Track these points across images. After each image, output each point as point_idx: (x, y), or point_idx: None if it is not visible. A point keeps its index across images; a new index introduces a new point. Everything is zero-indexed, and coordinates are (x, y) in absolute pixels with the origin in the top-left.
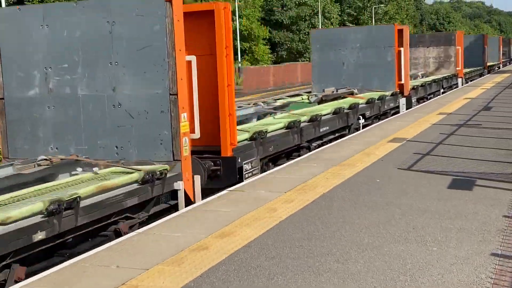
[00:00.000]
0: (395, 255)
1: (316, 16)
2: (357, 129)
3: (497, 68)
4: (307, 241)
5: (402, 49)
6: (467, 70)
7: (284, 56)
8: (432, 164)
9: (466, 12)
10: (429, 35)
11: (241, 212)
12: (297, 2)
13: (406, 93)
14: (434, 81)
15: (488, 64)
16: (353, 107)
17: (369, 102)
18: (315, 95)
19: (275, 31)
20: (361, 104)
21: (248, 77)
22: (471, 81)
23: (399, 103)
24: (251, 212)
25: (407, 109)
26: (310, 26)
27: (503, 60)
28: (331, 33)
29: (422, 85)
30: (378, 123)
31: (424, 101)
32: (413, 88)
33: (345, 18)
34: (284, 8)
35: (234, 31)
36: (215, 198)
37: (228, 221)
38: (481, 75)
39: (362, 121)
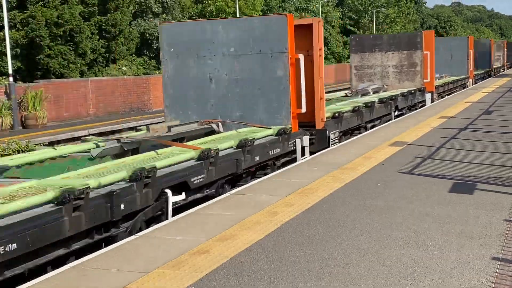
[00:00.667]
0: (396, 259)
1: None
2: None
3: (488, 76)
4: (308, 245)
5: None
6: (445, 81)
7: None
8: (433, 168)
9: (467, 16)
10: (389, 36)
11: (241, 216)
12: (298, 7)
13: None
14: (381, 100)
15: (476, 72)
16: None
17: None
18: None
19: None
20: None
21: None
22: (448, 94)
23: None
24: (252, 216)
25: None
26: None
27: (497, 66)
28: (186, 30)
29: (354, 110)
30: (378, 127)
31: (348, 138)
32: (333, 117)
33: (346, 22)
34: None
35: None
36: (215, 202)
37: (228, 224)
38: (464, 86)
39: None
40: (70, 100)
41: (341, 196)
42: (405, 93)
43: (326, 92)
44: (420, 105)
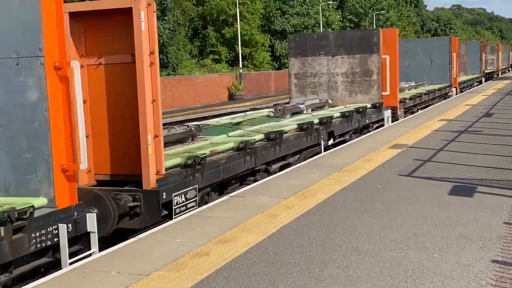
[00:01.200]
0: (395, 262)
1: (317, 24)
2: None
3: (478, 83)
4: (308, 247)
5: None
6: (416, 92)
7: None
8: (433, 171)
9: (467, 18)
10: (336, 34)
11: (242, 218)
12: (298, 12)
13: None
14: (301, 126)
15: (463, 78)
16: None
17: None
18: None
19: (278, 41)
20: None
21: (249, 82)
22: (424, 108)
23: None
24: (252, 218)
25: None
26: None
27: (490, 71)
28: None
29: (239, 148)
30: (379, 130)
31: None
32: (187, 166)
33: (346, 24)
34: (285, 16)
35: (236, 36)
36: (216, 204)
37: (229, 226)
38: (446, 96)
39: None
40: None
41: (341, 198)
42: (348, 113)
43: (233, 112)
44: (377, 125)
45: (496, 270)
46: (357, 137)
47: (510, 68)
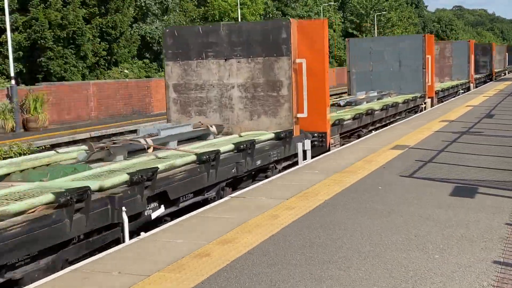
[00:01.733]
0: (396, 263)
1: None
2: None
3: (466, 90)
4: (309, 248)
5: None
6: (357, 110)
7: None
8: (434, 172)
9: (468, 20)
10: (230, 27)
11: (242, 219)
12: (299, 14)
13: None
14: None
15: (443, 86)
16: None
17: None
18: None
19: None
20: None
21: None
22: (377, 129)
23: None
24: (253, 219)
25: None
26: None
27: (480, 75)
28: None
29: None
30: (379, 130)
31: None
32: None
33: (347, 25)
34: (287, 17)
35: None
36: (216, 205)
37: (229, 227)
38: (416, 110)
39: None
40: (71, 102)
41: (342, 199)
42: (207, 156)
43: None
44: (286, 164)
45: (497, 271)
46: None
47: (506, 71)
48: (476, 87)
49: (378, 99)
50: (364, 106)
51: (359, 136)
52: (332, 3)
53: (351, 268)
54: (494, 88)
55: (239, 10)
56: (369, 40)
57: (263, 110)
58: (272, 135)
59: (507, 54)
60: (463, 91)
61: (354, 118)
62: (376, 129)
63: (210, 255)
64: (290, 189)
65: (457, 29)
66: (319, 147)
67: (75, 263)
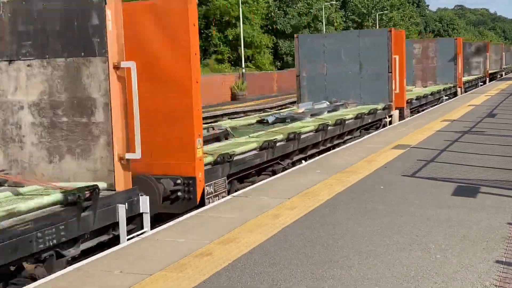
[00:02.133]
0: (398, 263)
1: (319, 23)
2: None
3: (447, 98)
4: (310, 248)
5: None
6: (308, 125)
7: (290, 61)
8: (436, 171)
9: (470, 19)
10: (11, 5)
11: (244, 218)
12: (299, 12)
13: None
14: None
15: (421, 92)
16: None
17: None
18: None
19: (281, 40)
20: None
21: (252, 83)
22: (276, 173)
23: None
24: (254, 218)
25: None
26: (315, 32)
27: (471, 77)
28: None
29: None
30: (381, 130)
31: None
32: None
33: (349, 24)
34: (288, 16)
35: (238, 38)
36: (218, 204)
37: (231, 227)
38: (379, 126)
39: None
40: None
41: (344, 199)
42: None
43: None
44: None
45: (499, 271)
46: None
47: (503, 73)
48: (466, 91)
49: (330, 112)
50: (295, 125)
51: (273, 173)
52: (334, 2)
53: (352, 267)
54: (496, 88)
55: (240, 9)
56: (322, 36)
57: (68, 146)
58: (59, 197)
59: (504, 54)
60: (447, 97)
61: (261, 149)
62: (304, 159)
63: (211, 255)
64: (291, 188)
65: (459, 28)
66: (184, 200)
67: (75, 263)
